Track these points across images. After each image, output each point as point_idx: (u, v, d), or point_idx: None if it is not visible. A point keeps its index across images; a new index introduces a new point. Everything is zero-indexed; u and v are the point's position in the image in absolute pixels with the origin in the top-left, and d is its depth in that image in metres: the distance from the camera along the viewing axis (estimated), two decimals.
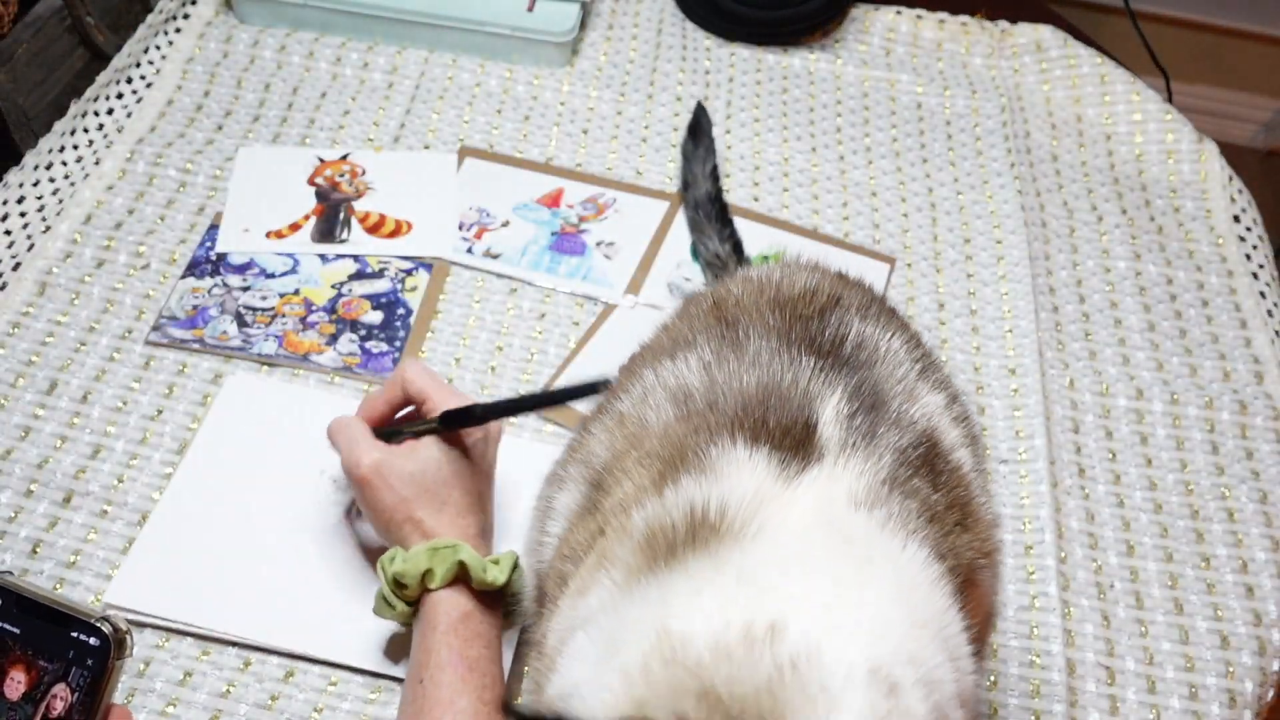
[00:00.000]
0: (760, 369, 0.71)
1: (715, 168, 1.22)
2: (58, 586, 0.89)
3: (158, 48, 1.31)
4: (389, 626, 0.88)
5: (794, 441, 0.65)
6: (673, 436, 0.68)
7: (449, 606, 0.82)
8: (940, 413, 0.73)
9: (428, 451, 0.87)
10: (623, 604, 0.61)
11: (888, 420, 0.69)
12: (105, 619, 0.69)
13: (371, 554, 0.92)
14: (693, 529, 0.61)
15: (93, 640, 0.68)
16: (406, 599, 0.83)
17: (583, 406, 1.01)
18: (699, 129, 1.26)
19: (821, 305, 0.76)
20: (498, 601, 0.85)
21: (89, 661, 0.68)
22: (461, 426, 0.87)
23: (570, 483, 0.75)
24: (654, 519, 0.63)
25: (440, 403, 0.88)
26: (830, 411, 0.67)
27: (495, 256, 1.16)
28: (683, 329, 0.80)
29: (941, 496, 0.68)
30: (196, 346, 1.05)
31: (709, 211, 1.18)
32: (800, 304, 0.77)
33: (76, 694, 0.68)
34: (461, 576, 0.83)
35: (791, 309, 0.76)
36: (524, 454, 0.96)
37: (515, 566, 0.85)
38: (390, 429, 0.90)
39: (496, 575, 0.83)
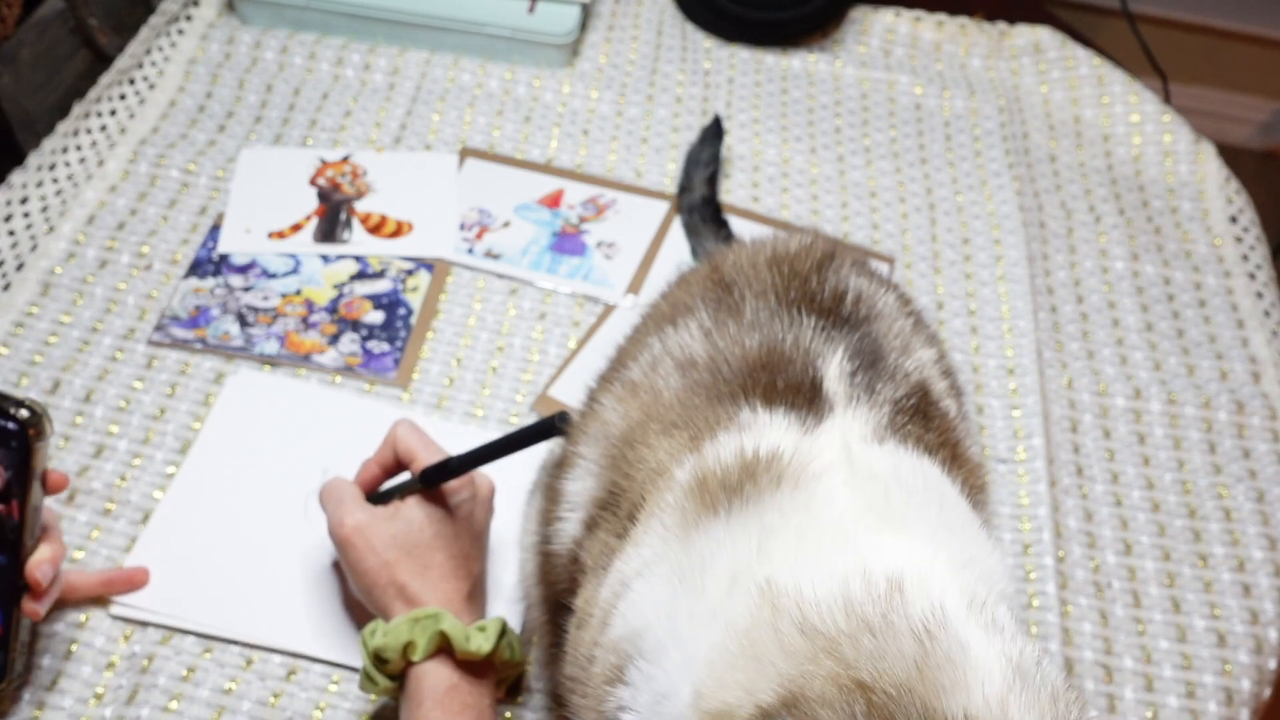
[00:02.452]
0: (760, 330, 0.73)
1: (714, 176, 1.23)
2: None
3: (160, 49, 1.32)
4: None
5: (804, 400, 0.68)
6: (691, 406, 0.70)
7: (434, 680, 0.78)
8: (931, 365, 0.76)
9: (411, 513, 0.84)
10: (685, 547, 0.61)
11: (885, 374, 0.72)
12: (21, 403, 0.76)
13: None
14: (749, 469, 0.63)
15: (10, 425, 0.76)
16: (389, 673, 0.80)
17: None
18: (708, 137, 1.27)
19: (818, 260, 0.78)
20: (487, 669, 0.81)
21: (13, 443, 0.76)
22: (441, 482, 0.84)
23: (584, 461, 0.74)
24: (700, 468, 0.64)
25: (426, 460, 0.84)
26: (834, 370, 0.70)
27: (496, 257, 1.17)
28: (681, 295, 0.81)
29: (933, 437, 0.71)
30: (199, 346, 1.06)
31: (704, 214, 1.19)
32: (797, 260, 0.78)
33: (10, 470, 0.76)
34: (445, 647, 0.79)
35: (789, 265, 0.77)
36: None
37: (503, 634, 0.81)
38: (381, 493, 0.87)
39: (481, 644, 0.79)
